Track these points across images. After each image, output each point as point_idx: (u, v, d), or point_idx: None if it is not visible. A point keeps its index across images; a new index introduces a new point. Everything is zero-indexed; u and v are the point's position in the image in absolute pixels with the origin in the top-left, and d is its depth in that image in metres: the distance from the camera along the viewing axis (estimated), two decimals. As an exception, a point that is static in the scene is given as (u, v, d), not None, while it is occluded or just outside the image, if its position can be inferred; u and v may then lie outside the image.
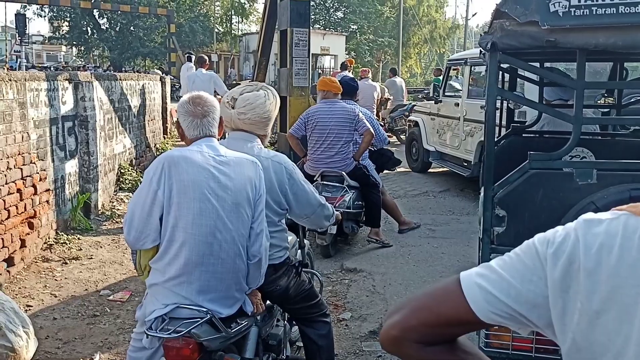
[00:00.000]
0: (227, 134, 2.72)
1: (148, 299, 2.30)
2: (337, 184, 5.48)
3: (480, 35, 2.34)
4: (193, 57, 10.86)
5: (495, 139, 4.10)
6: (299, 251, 3.42)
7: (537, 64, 3.60)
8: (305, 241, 3.67)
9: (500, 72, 3.89)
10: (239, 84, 14.18)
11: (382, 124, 10.58)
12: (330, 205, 2.96)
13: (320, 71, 29.68)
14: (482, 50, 2.79)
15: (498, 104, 4.60)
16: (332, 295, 4.73)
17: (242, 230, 2.31)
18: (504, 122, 4.22)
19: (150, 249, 2.27)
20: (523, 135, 3.74)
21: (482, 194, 2.81)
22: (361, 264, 5.38)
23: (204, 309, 2.20)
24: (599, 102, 5.04)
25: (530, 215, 2.32)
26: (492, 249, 2.34)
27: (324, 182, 5.48)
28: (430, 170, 9.94)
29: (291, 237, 3.25)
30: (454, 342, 0.94)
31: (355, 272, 5.23)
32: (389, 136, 13.21)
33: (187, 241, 2.21)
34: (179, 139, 2.54)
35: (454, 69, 9.57)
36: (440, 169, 9.75)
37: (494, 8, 2.24)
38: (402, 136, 12.87)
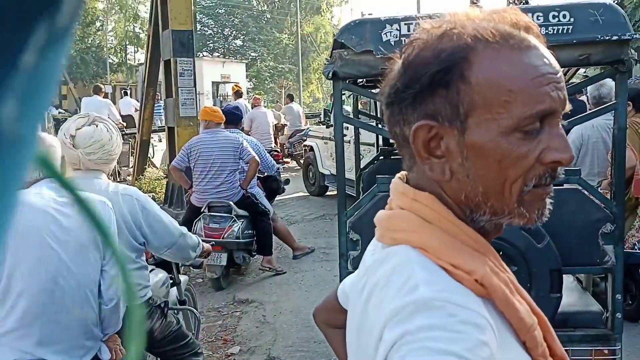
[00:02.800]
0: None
1: (-14, 356, 2.11)
2: (225, 214, 5.39)
3: (324, 64, 2.40)
4: (128, 92, 11.55)
5: (371, 160, 4.23)
6: (173, 289, 3.31)
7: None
8: (183, 277, 3.56)
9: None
10: (130, 115, 13.77)
11: (278, 150, 10.61)
12: (195, 236, 2.89)
13: (222, 99, 29.51)
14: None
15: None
16: (221, 330, 4.61)
17: (89, 275, 2.18)
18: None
19: None
20: (392, 157, 3.87)
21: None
22: (253, 294, 5.31)
23: None
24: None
25: (381, 238, 2.37)
26: (349, 273, 2.36)
27: (211, 213, 5.38)
28: (327, 193, 10.06)
29: (161, 275, 3.14)
30: None
31: (247, 303, 5.14)
32: (285, 162, 13.33)
33: (26, 291, 2.06)
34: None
35: (343, 93, 9.82)
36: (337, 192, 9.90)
37: (333, 39, 2.31)
38: (301, 161, 12.99)
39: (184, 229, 2.80)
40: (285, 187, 6.73)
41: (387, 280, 0.74)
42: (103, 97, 10.91)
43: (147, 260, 3.04)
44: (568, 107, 0.76)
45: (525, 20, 0.76)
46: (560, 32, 2.07)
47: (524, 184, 0.73)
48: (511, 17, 0.76)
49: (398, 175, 0.86)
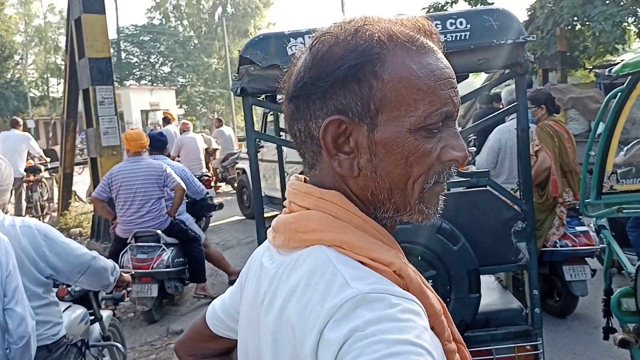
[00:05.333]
0: None
1: None
2: (153, 244, 5.20)
3: (232, 79, 2.37)
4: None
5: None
6: (95, 326, 3.15)
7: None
8: (106, 312, 3.39)
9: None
10: (53, 149, 13.22)
11: (209, 175, 10.43)
12: (111, 260, 2.77)
13: (152, 127, 28.97)
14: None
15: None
16: (155, 364, 4.43)
17: None
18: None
19: None
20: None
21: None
22: (188, 324, 5.09)
23: None
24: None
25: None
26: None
27: (138, 244, 5.18)
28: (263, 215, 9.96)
29: (79, 311, 2.99)
30: (225, 357, 1.04)
31: (181, 334, 4.96)
32: (219, 187, 13.14)
33: None
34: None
35: (271, 114, 9.81)
36: (273, 213, 9.83)
37: (239, 55, 2.28)
38: (235, 184, 12.83)
39: (95, 253, 2.68)
40: (211, 213, 6.64)
41: (307, 284, 0.71)
42: (22, 131, 10.37)
43: (63, 297, 2.89)
44: (461, 110, 0.79)
45: (429, 26, 0.78)
46: (458, 38, 2.13)
47: (425, 181, 0.75)
48: (417, 21, 0.78)
49: (294, 176, 0.85)
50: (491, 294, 2.59)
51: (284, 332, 0.72)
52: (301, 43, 2.17)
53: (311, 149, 0.79)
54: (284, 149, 8.21)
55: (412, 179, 0.75)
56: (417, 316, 0.67)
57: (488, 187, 2.31)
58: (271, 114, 9.88)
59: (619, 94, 2.94)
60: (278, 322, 0.73)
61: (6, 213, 2.45)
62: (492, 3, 13.82)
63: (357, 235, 0.75)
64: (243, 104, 2.31)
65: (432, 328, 0.74)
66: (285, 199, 0.85)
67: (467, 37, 2.13)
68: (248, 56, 2.19)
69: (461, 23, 2.14)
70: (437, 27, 2.16)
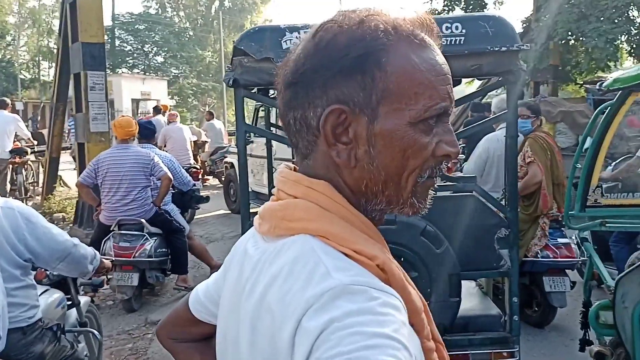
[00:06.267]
0: None
1: None
2: (136, 232, 5.16)
3: (225, 72, 2.36)
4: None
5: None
6: (72, 311, 3.12)
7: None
8: (83, 298, 3.36)
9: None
10: (41, 132, 13.07)
11: (197, 167, 10.37)
12: (92, 248, 2.74)
13: (143, 117, 28.80)
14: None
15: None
16: (131, 353, 4.40)
17: None
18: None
19: None
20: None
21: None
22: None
23: None
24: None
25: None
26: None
27: (121, 232, 5.13)
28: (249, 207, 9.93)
29: (57, 295, 2.95)
30: (205, 342, 1.02)
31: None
32: (206, 180, 13.07)
33: None
34: None
35: (262, 110, 9.78)
36: (258, 209, 9.80)
37: (233, 46, 2.27)
38: (223, 178, 12.78)
39: (76, 240, 2.65)
40: (199, 205, 6.62)
41: (289, 271, 0.71)
42: (10, 112, 10.25)
43: (41, 280, 2.86)
44: (452, 117, 0.80)
45: (430, 22, 0.79)
46: (453, 43, 2.14)
47: (419, 175, 0.76)
48: (419, 16, 0.78)
49: (284, 164, 0.84)
50: (471, 299, 2.60)
51: (263, 318, 0.71)
52: (297, 37, 2.16)
53: (306, 139, 0.78)
54: (274, 145, 8.18)
55: (407, 172, 0.75)
56: (397, 311, 0.67)
57: (474, 193, 2.32)
58: (262, 109, 9.88)
59: (608, 108, 2.97)
60: (258, 308, 0.73)
61: None
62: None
63: (343, 226, 0.75)
64: (235, 96, 2.30)
65: (411, 325, 0.74)
66: (270, 194, 0.84)
67: (461, 42, 2.14)
68: (242, 47, 2.18)
69: (457, 28, 2.15)
70: (433, 30, 2.18)
